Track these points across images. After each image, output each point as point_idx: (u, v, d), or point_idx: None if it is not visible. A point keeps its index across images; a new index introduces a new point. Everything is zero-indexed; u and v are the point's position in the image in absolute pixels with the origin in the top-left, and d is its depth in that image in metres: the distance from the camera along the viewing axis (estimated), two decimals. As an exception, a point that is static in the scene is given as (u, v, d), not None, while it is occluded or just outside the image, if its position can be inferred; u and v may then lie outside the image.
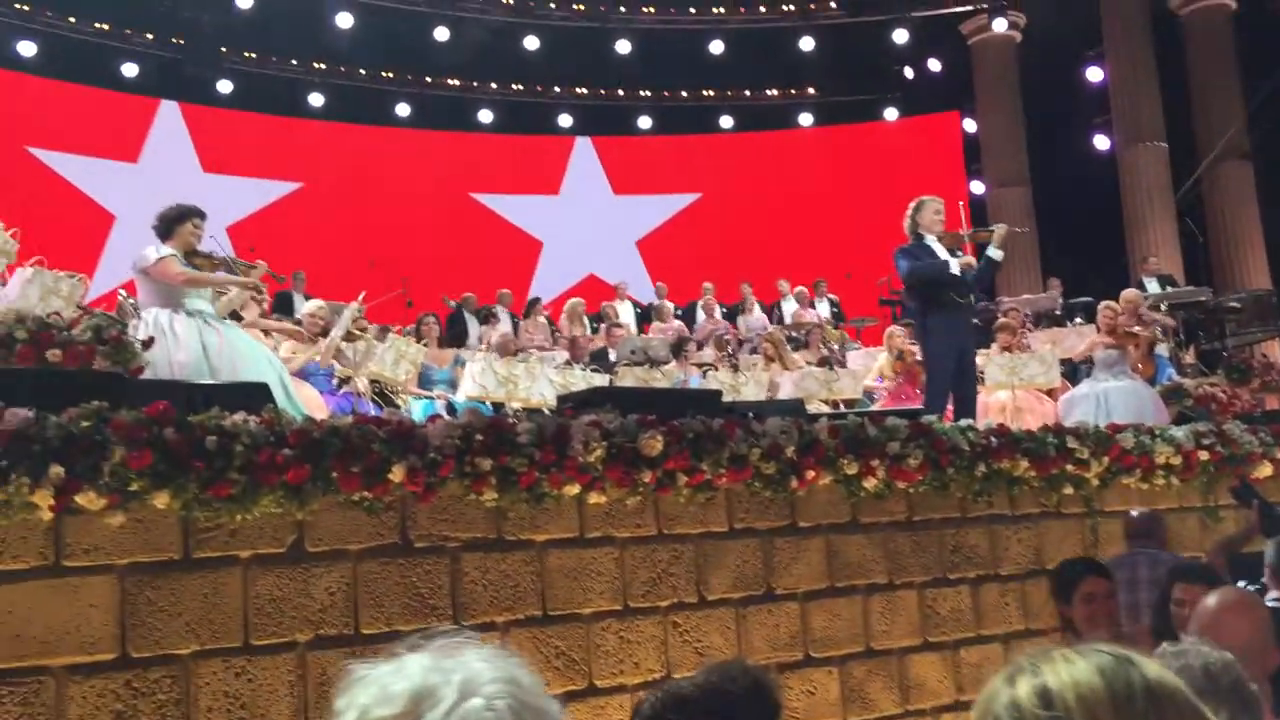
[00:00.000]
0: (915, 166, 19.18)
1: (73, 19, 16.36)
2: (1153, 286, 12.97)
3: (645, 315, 14.74)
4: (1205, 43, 16.94)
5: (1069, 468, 6.00)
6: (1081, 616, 3.78)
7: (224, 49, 17.42)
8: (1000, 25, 18.13)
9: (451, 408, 7.92)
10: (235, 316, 7.75)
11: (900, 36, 18.98)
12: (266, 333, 7.91)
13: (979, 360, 9.48)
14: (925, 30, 19.01)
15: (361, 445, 4.01)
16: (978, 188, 19.21)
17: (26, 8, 15.90)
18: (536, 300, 14.36)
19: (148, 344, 5.53)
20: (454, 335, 12.67)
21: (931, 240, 7.41)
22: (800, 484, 5.04)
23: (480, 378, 7.68)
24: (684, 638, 4.74)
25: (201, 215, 6.28)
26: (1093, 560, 4.03)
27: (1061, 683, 1.10)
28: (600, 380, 8.50)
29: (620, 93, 20.11)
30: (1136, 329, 9.37)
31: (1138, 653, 1.15)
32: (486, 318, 12.94)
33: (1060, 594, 3.88)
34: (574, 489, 4.45)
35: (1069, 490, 6.05)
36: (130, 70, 16.92)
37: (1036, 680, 1.12)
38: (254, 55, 17.95)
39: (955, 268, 7.28)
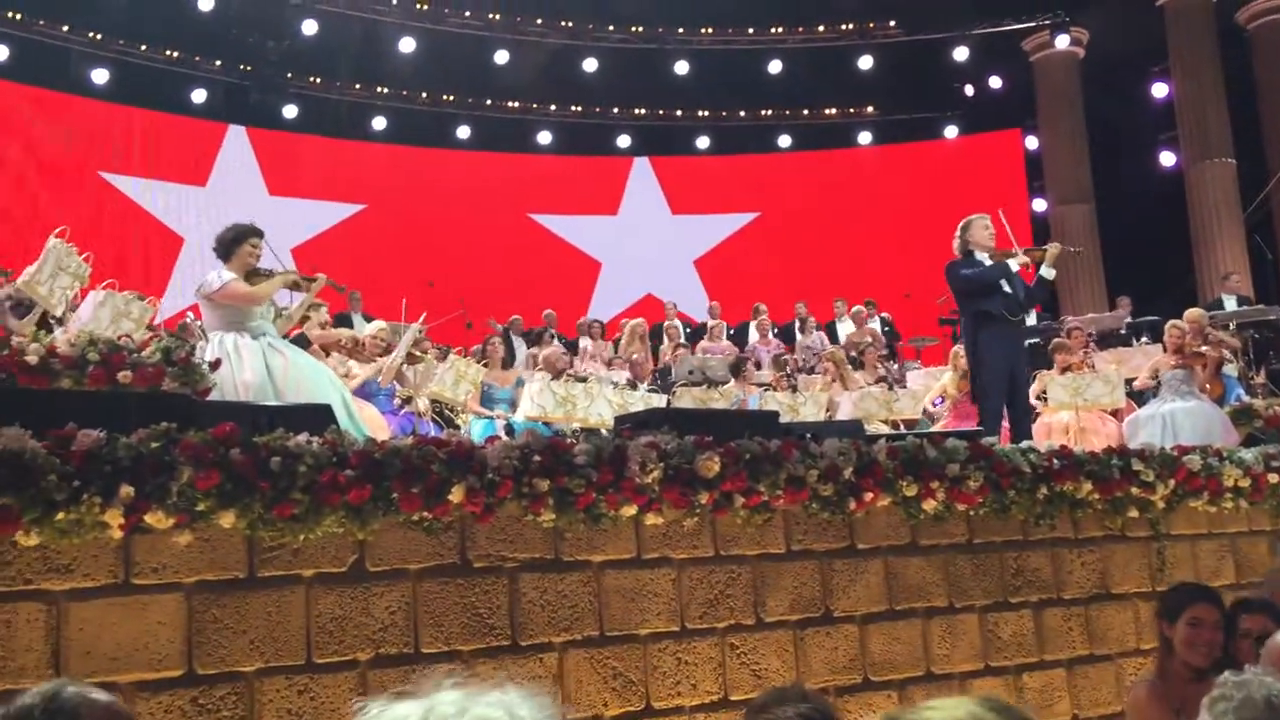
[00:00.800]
0: (976, 184, 19.00)
1: (144, 46, 16.80)
2: (1231, 304, 12.74)
3: (695, 335, 14.74)
4: (1273, 56, 16.65)
5: (1134, 490, 5.90)
6: (1182, 639, 3.78)
7: (289, 74, 17.78)
8: (1063, 42, 17.96)
9: (510, 428, 7.98)
10: (302, 341, 7.89)
11: (960, 54, 18.88)
12: (327, 352, 8.03)
13: (1041, 381, 9.38)
14: (986, 47, 18.89)
15: (421, 466, 4.05)
16: (1040, 205, 19.01)
17: (99, 36, 16.35)
18: (595, 321, 14.43)
19: (215, 365, 5.65)
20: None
21: (982, 257, 7.40)
22: (858, 506, 5.01)
23: (539, 398, 7.74)
24: (741, 659, 4.72)
25: (259, 234, 6.37)
26: (1210, 589, 4.02)
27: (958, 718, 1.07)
28: (658, 401, 8.53)
29: (678, 113, 20.20)
30: (1204, 349, 9.21)
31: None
32: (539, 339, 13.03)
33: (1166, 613, 3.87)
34: (631, 510, 4.46)
35: (1134, 513, 5.95)
36: (199, 96, 17.34)
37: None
38: (318, 80, 18.30)
39: (1015, 265, 7.28)
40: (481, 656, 4.20)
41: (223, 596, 3.79)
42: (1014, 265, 7.36)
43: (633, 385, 9.84)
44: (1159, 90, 17.87)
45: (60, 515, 3.44)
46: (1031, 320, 12.84)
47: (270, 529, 3.82)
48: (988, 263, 7.43)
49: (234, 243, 6.27)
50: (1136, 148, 18.26)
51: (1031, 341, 11.37)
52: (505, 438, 4.63)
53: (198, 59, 17.31)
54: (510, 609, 4.29)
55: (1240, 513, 6.40)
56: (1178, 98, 17.08)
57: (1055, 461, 5.66)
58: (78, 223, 13.61)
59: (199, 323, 7.13)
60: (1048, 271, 7.59)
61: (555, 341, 12.84)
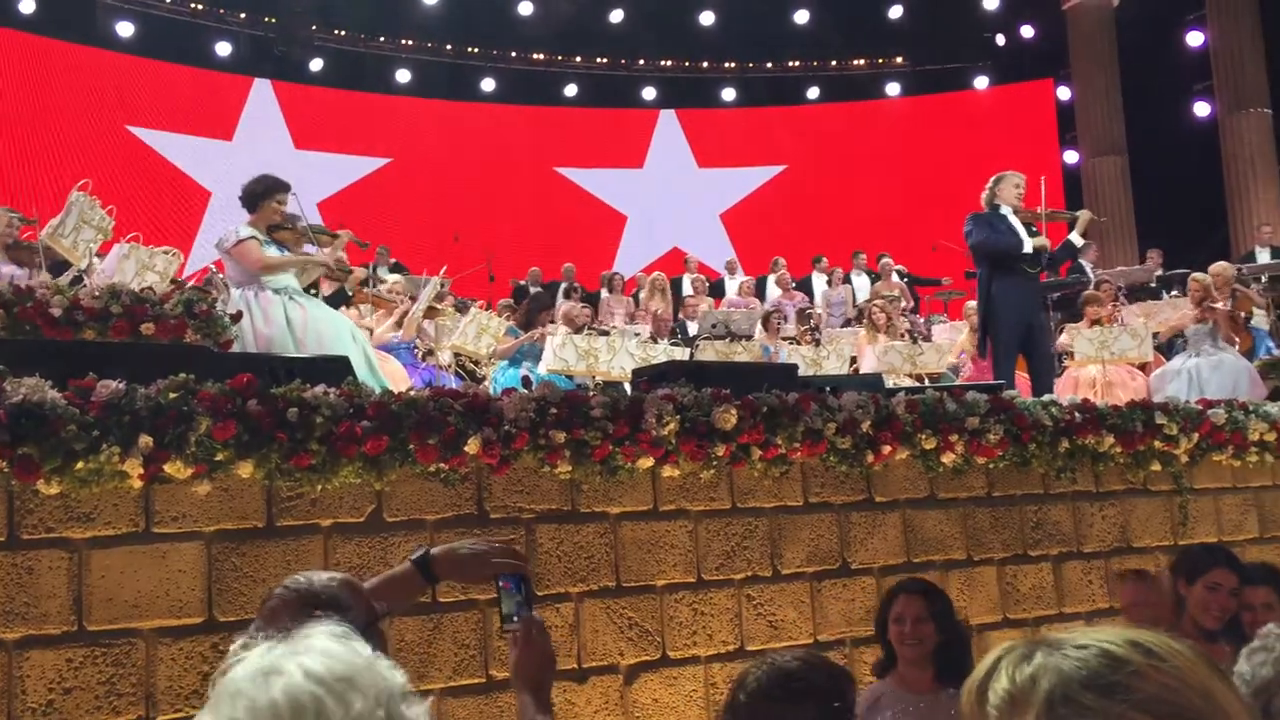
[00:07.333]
0: (1007, 136, 18.80)
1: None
2: (1264, 256, 12.57)
3: (715, 288, 14.64)
4: (1313, 4, 16.28)
5: (1157, 444, 5.86)
6: (1198, 600, 3.77)
7: (314, 27, 17.71)
8: (1096, -11, 17.63)
9: (529, 381, 7.99)
10: (342, 297, 7.90)
11: (991, 3, 18.60)
12: (349, 305, 8.05)
13: (1069, 334, 9.31)
14: (1018, -5, 18.58)
15: (438, 418, 4.07)
16: (1071, 157, 18.76)
17: (125, -11, 16.35)
18: (616, 275, 14.39)
19: (236, 318, 5.68)
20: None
21: (1007, 211, 7.33)
22: (876, 459, 5.00)
23: (561, 351, 7.74)
24: (758, 611, 4.75)
25: (286, 188, 6.37)
26: (1231, 554, 3.99)
27: (1146, 639, 1.07)
28: (681, 354, 8.52)
29: (704, 65, 20.01)
30: (1217, 305, 9.08)
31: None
32: (568, 293, 13.01)
33: (1185, 573, 3.84)
34: (648, 462, 4.47)
35: (1157, 467, 5.91)
36: (224, 49, 17.32)
37: (1117, 638, 1.07)
38: (343, 33, 18.23)
39: (1029, 246, 7.20)
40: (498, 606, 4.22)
41: (242, 545, 3.84)
42: (1028, 246, 7.26)
43: (654, 339, 9.81)
44: (1194, 39, 17.52)
45: (80, 465, 3.48)
46: (1089, 269, 12.71)
47: (288, 479, 3.86)
48: (1011, 218, 7.37)
49: (262, 196, 6.27)
50: (1170, 98, 17.93)
51: (1060, 294, 11.25)
52: (524, 390, 4.62)
53: (222, 11, 17.28)
54: (527, 559, 4.31)
55: (1265, 466, 6.35)
56: (1213, 47, 16.76)
57: (1077, 415, 5.62)
58: (105, 177, 13.70)
59: (222, 276, 7.16)
60: (1076, 239, 7.54)
61: (575, 295, 12.82)
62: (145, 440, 3.56)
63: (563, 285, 13.61)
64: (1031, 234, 7.38)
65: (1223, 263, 9.94)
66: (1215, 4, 16.62)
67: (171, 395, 3.66)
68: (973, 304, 10.06)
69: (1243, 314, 9.48)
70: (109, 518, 3.65)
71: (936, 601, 3.64)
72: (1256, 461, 6.27)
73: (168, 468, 3.63)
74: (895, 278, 14.38)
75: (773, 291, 14.20)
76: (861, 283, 14.58)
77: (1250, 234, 14.74)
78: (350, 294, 7.10)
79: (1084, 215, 7.66)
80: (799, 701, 2.24)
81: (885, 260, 14.78)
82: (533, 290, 13.38)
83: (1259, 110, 16.22)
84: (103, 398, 3.55)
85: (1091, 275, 12.14)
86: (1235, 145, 16.24)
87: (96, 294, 5.34)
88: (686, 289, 13.81)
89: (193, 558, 3.76)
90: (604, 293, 13.74)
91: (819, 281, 14.75)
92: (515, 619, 2.17)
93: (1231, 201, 16.21)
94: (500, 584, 2.22)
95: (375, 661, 1.20)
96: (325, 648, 1.17)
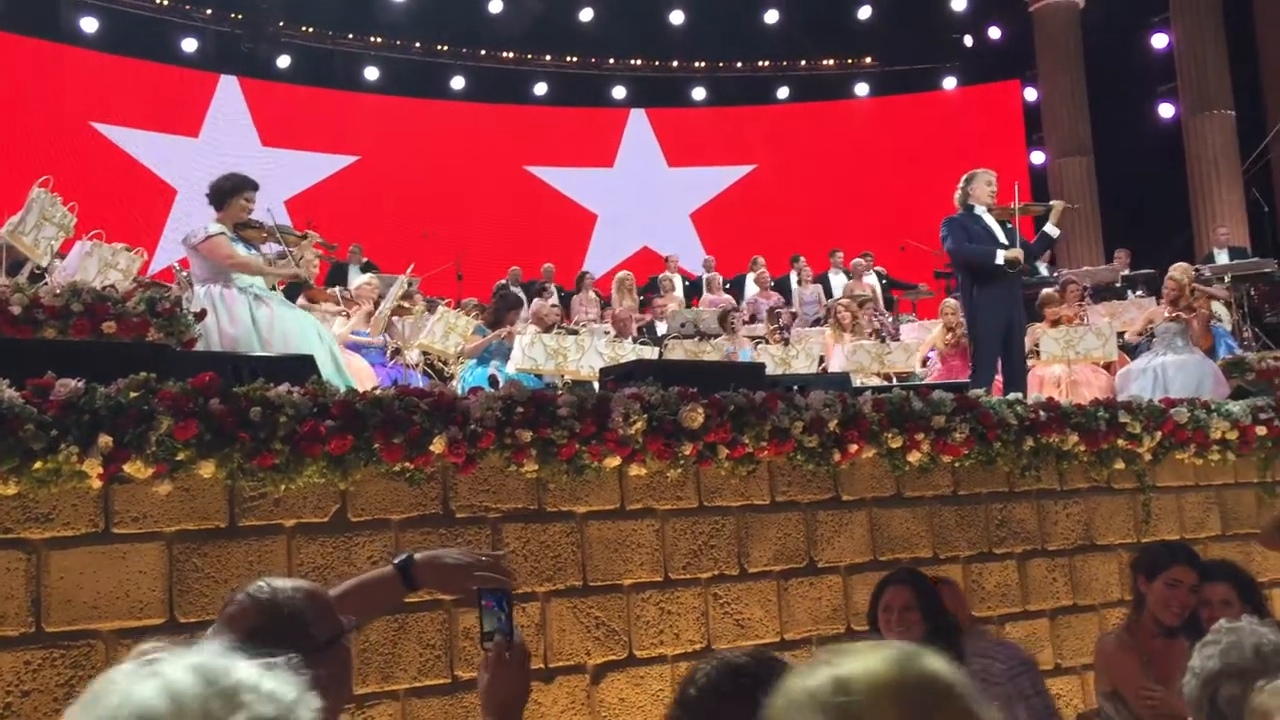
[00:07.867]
0: (975, 137, 18.92)
1: (133, -6, 16.62)
2: (1222, 258, 12.71)
3: (694, 288, 14.66)
4: (1274, 7, 16.47)
5: (1120, 442, 5.91)
6: (1157, 597, 3.79)
7: (281, 23, 17.59)
8: (1062, -9, 17.77)
9: (496, 380, 7.97)
10: (295, 292, 7.86)
11: (959, 4, 18.71)
12: (314, 301, 7.99)
13: (1033, 334, 9.37)
14: (985, -3, 18.71)
15: (403, 417, 4.05)
16: (1038, 158, 18.91)
17: (88, -16, 16.17)
18: (585, 274, 14.36)
19: (200, 316, 5.63)
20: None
21: (981, 210, 7.34)
22: (843, 457, 5.02)
23: (529, 350, 7.71)
24: (725, 609, 4.75)
25: (254, 187, 6.34)
26: (1191, 551, 4.01)
27: (854, 671, 1.15)
28: (649, 353, 8.51)
29: (674, 64, 20.02)
30: (1198, 309, 9.17)
31: (927, 650, 1.19)
32: (540, 291, 12.98)
33: (1145, 570, 3.86)
34: (614, 461, 4.46)
35: (1120, 465, 5.96)
36: (190, 45, 17.17)
37: (832, 670, 1.16)
38: (311, 30, 18.11)
39: (1000, 259, 7.21)
40: (464, 605, 4.21)
41: (204, 546, 3.80)
42: (999, 259, 7.26)
43: (619, 338, 9.81)
44: (1159, 41, 17.70)
45: (38, 464, 3.44)
46: (1044, 270, 12.81)
47: (251, 479, 3.82)
48: (986, 218, 7.40)
49: (230, 194, 6.23)
50: (1135, 100, 18.11)
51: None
52: (490, 389, 4.61)
53: (188, 7, 17.13)
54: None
55: (1227, 465, 6.41)
56: (1177, 48, 16.92)
57: (1041, 414, 5.66)
58: (69, 174, 13.56)
59: (187, 274, 7.10)
60: (1052, 230, 7.56)
61: (551, 294, 12.80)
62: (105, 440, 3.52)
63: (538, 284, 13.57)
64: (1007, 231, 7.40)
65: (1182, 264, 10.03)
66: (1179, 7, 16.78)
67: (132, 394, 3.62)
68: (951, 302, 10.09)
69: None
70: (68, 518, 3.61)
71: (923, 591, 3.68)
72: (1218, 460, 6.33)
73: (128, 467, 3.59)
74: (869, 278, 14.42)
75: (751, 290, 14.22)
76: (840, 281, 14.59)
77: (1213, 234, 14.89)
78: (308, 280, 7.01)
79: (1057, 205, 7.69)
80: (748, 696, 2.25)
81: (858, 260, 14.81)
82: (512, 289, 13.36)
83: (1222, 112, 16.39)
84: (61, 396, 3.51)
85: (1046, 274, 12.25)
86: (1199, 146, 16.41)
87: (58, 292, 5.28)
88: (676, 289, 13.85)
89: (153, 558, 3.72)
90: (576, 292, 13.74)
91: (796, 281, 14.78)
92: (497, 639, 2.06)
93: (1195, 202, 16.37)
94: (483, 602, 2.13)
95: (240, 689, 1.08)
96: (180, 669, 1.08)
